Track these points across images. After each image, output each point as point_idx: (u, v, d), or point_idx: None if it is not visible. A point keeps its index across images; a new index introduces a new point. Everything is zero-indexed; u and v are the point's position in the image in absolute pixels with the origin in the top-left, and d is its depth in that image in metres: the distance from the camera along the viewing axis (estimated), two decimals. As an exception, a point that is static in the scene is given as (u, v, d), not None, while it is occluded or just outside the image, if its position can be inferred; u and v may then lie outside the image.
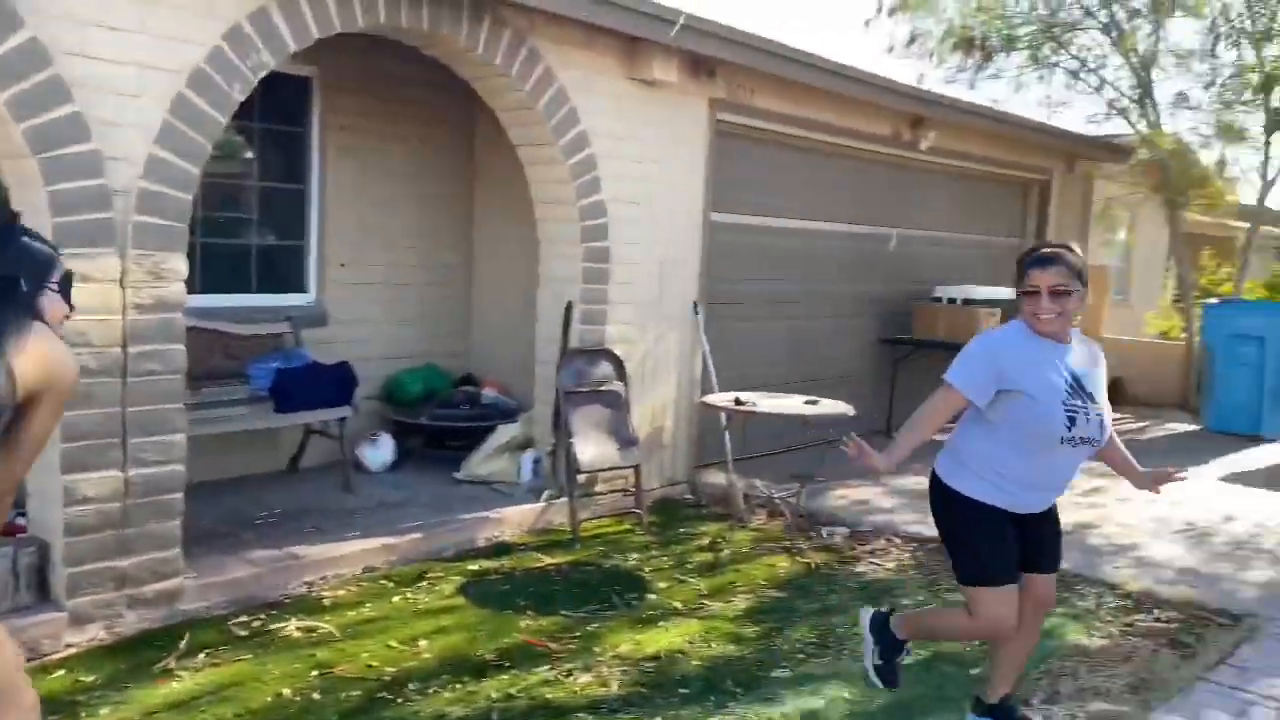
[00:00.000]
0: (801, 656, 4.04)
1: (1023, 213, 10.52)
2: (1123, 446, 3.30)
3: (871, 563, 5.29)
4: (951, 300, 8.44)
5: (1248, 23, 10.05)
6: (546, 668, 3.81)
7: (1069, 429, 2.98)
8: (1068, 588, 4.94)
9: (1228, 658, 4.05)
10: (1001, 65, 11.93)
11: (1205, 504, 6.65)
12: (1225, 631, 4.38)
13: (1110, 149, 10.86)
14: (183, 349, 4.06)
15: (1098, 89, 11.21)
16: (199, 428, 4.78)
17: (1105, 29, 10.89)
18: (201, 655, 3.77)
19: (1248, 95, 10.26)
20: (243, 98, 4.15)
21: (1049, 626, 4.44)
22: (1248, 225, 11.83)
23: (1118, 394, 11.39)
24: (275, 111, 6.03)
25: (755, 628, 4.32)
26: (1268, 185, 10.52)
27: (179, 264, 4.01)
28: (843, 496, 6.41)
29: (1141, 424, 9.97)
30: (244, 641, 3.92)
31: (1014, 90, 14.32)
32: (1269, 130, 10.07)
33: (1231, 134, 11.04)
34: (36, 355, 2.02)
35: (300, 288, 6.28)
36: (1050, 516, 3.23)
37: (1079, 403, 3.00)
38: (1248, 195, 12.36)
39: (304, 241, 6.30)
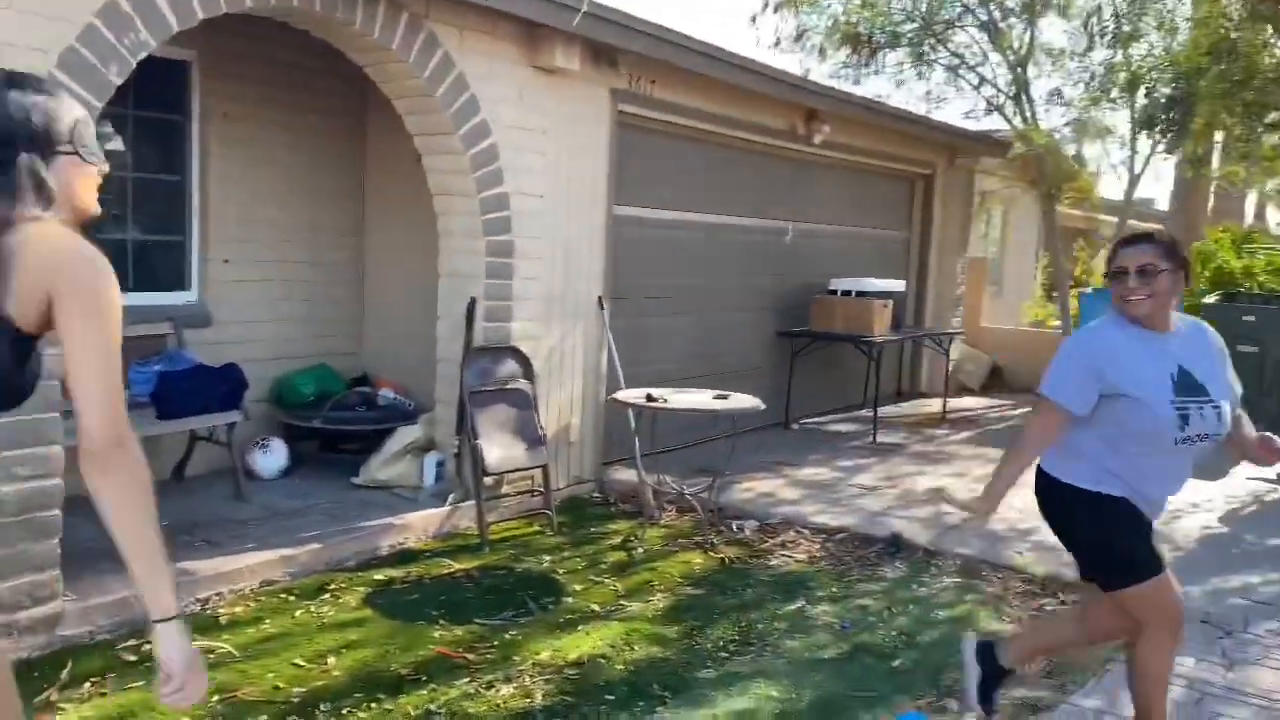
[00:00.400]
0: (725, 655, 3.98)
1: (909, 206, 10.77)
2: (1248, 430, 3.01)
3: (783, 555, 5.29)
4: (846, 293, 8.56)
5: (1116, 24, 10.50)
6: (465, 680, 3.65)
7: (1182, 429, 2.76)
8: (975, 574, 5.04)
9: (1133, 637, 4.17)
10: (884, 61, 12.20)
11: (1092, 486, 6.90)
12: (1126, 611, 4.52)
13: (989, 144, 11.22)
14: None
15: (977, 86, 11.55)
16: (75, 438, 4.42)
17: (983, 26, 11.23)
18: (87, 685, 3.48)
19: (1116, 93, 10.71)
20: (120, 81, 3.84)
21: (962, 613, 4.53)
22: (1115, 219, 12.40)
23: (999, 381, 11.82)
24: (151, 98, 5.65)
25: (676, 627, 4.25)
26: (1135, 179, 11.02)
27: (52, 261, 3.68)
28: (749, 489, 6.41)
29: (1025, 409, 10.33)
30: (134, 667, 3.63)
31: (895, 86, 14.75)
32: (1136, 127, 10.55)
33: (1093, 131, 11.54)
34: (26, 263, 1.60)
35: (181, 286, 5.91)
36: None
37: (1190, 398, 2.77)
38: (1115, 189, 12.97)
39: (184, 237, 5.93)
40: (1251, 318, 8.96)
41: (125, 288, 5.74)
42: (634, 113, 6.54)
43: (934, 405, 10.05)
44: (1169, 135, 10.13)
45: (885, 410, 8.94)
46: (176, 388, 5.14)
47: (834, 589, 4.80)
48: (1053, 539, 5.65)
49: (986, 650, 3.34)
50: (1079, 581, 4.67)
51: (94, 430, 1.62)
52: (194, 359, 5.42)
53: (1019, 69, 11.02)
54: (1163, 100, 9.65)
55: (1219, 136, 10.75)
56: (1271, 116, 8.96)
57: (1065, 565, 5.10)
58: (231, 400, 5.35)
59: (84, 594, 3.97)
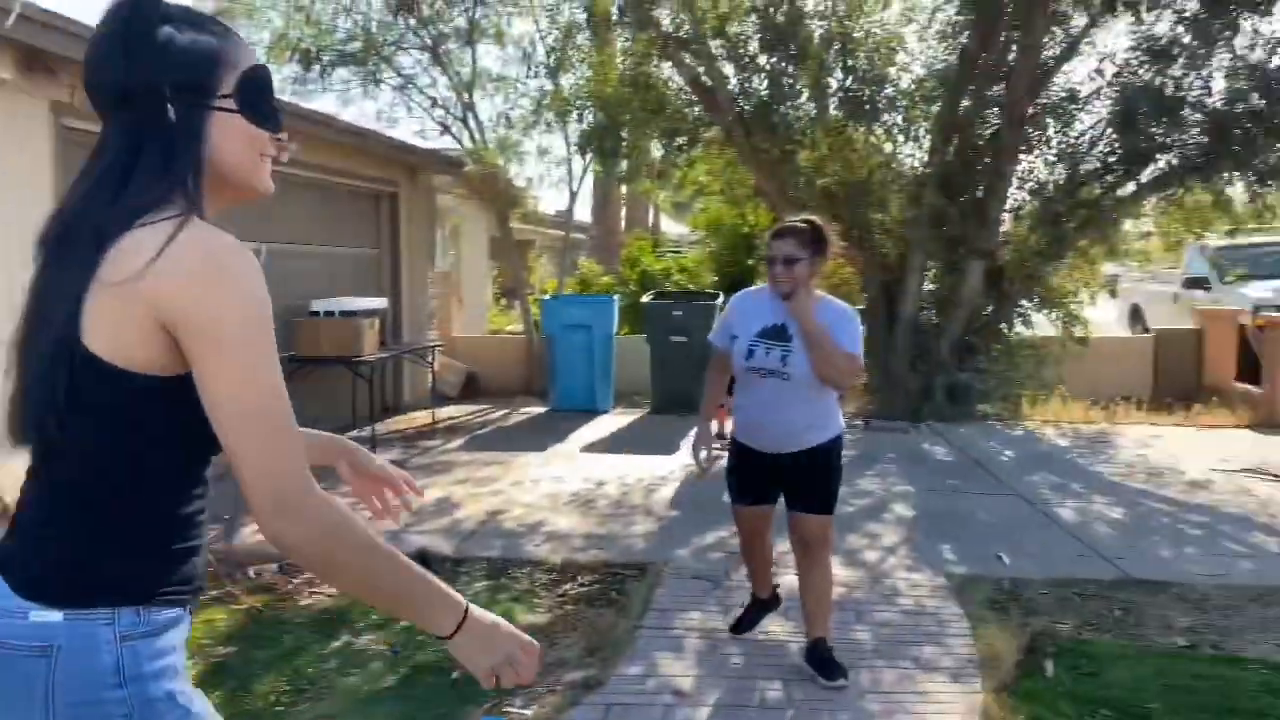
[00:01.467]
0: (280, 708, 3.77)
1: (378, 223, 10.86)
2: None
3: (313, 593, 5.10)
4: (330, 313, 8.41)
5: (548, 56, 11.59)
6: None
7: (746, 360, 3.78)
8: (503, 574, 5.32)
9: (649, 604, 4.73)
10: (332, 78, 12.14)
11: (579, 474, 7.61)
12: (637, 582, 5.10)
13: (444, 162, 11.73)
14: None
15: (429, 108, 12.00)
16: None
17: (427, 49, 11.69)
18: None
19: (551, 119, 11.82)
20: None
21: (501, 613, 4.74)
22: (556, 231, 13.70)
23: (474, 388, 12.42)
24: None
25: (217, 693, 3.90)
26: (574, 195, 12.28)
27: None
28: (258, 530, 6.03)
29: (502, 411, 10.99)
30: None
31: (343, 104, 14.73)
32: (574, 149, 11.75)
33: (529, 151, 12.66)
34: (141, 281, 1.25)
35: None
36: (801, 461, 3.80)
37: (768, 341, 3.76)
38: (552, 204, 14.29)
39: None
40: (679, 313, 10.49)
41: None
42: (83, 129, 5.78)
43: (421, 418, 10.28)
44: (601, 157, 11.43)
45: (377, 428, 8.96)
46: None
47: (375, 617, 4.74)
48: (558, 527, 6.18)
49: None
50: (597, 563, 5.17)
51: (248, 498, 1.31)
52: None
53: (466, 92, 11.66)
54: (593, 126, 10.86)
55: (641, 156, 12.35)
56: (680, 140, 10.55)
57: (576, 551, 5.62)
58: None
59: None
